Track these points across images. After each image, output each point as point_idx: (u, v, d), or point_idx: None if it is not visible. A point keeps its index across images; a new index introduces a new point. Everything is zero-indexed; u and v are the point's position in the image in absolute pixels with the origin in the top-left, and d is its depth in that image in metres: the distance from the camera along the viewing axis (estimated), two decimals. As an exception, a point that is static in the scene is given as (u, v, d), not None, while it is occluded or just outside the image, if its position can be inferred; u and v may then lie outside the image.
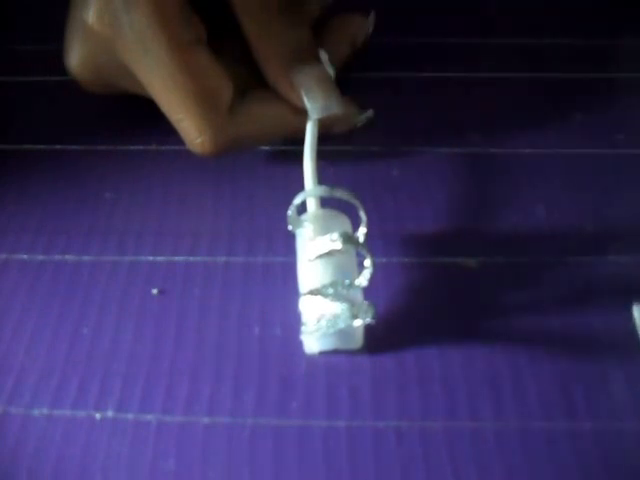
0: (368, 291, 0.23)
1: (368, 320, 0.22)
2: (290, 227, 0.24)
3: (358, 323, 0.22)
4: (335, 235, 0.23)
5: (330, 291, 0.22)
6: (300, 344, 0.23)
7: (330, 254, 0.23)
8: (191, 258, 0.26)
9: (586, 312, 0.24)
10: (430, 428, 0.22)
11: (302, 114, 0.28)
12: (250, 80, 0.28)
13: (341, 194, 0.23)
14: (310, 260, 0.23)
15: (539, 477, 0.21)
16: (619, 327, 0.24)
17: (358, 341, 0.23)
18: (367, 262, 0.23)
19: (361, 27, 0.33)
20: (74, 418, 0.22)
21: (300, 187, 0.26)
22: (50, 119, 0.32)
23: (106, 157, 0.30)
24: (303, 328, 0.23)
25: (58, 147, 0.31)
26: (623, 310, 0.24)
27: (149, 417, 0.22)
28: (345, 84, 0.29)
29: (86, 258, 0.27)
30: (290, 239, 0.26)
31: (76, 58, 0.28)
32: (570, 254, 0.26)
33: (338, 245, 0.23)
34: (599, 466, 0.21)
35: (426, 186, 0.29)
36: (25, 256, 0.27)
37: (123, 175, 0.30)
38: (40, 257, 0.27)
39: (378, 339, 0.24)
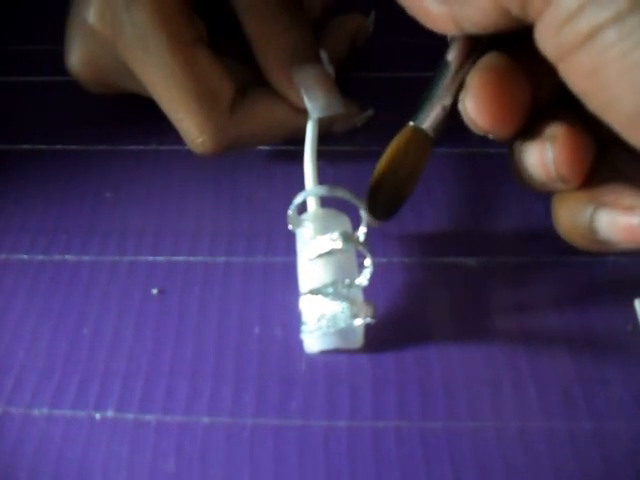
0: (368, 291, 0.23)
1: (368, 319, 0.22)
2: (290, 226, 0.24)
3: (358, 322, 0.22)
4: (335, 234, 0.23)
5: (330, 290, 0.23)
6: (300, 344, 0.23)
7: (330, 253, 0.23)
8: (191, 258, 0.26)
9: (586, 312, 0.24)
10: (430, 428, 0.22)
11: (303, 113, 0.28)
12: (251, 79, 0.28)
13: (342, 193, 0.23)
14: (310, 259, 0.23)
15: (539, 477, 0.21)
16: (619, 327, 0.24)
17: (358, 340, 0.23)
18: (367, 261, 0.23)
19: (361, 27, 0.33)
20: (74, 418, 0.22)
21: (300, 187, 0.26)
22: (50, 119, 0.32)
23: (106, 157, 0.30)
24: (303, 327, 0.23)
25: (58, 147, 0.31)
26: (623, 310, 0.24)
27: (149, 417, 0.22)
28: (345, 84, 0.29)
29: (86, 258, 0.27)
30: (290, 239, 0.26)
31: (76, 57, 0.28)
32: (570, 254, 0.26)
33: (338, 244, 0.23)
34: (599, 466, 0.21)
35: (426, 186, 0.29)
36: (25, 256, 0.27)
37: (123, 175, 0.30)
38: (40, 257, 0.27)
39: (378, 339, 0.24)
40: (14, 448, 0.21)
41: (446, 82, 0.22)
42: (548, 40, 0.17)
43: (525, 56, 0.21)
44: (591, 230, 0.20)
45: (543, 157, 0.20)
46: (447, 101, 0.22)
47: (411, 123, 0.23)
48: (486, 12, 0.18)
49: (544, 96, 0.21)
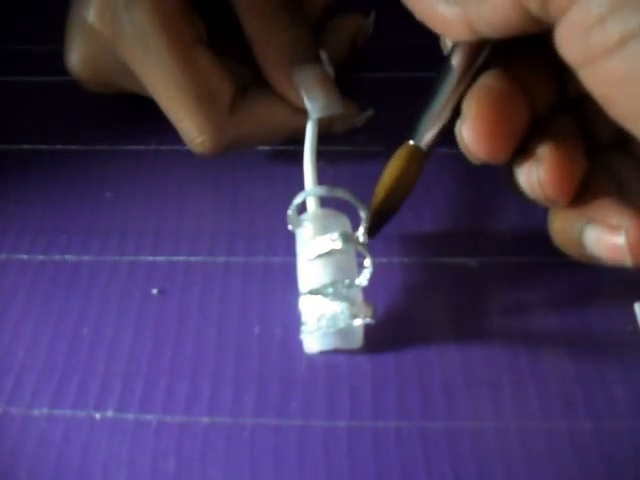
0: (368, 291, 0.23)
1: (368, 320, 0.22)
2: (290, 227, 0.24)
3: (358, 323, 0.22)
4: (335, 235, 0.23)
5: (330, 291, 0.23)
6: (300, 344, 0.23)
7: (330, 254, 0.23)
8: (191, 258, 0.26)
9: (586, 312, 0.24)
10: (430, 428, 0.22)
11: (302, 114, 0.28)
12: (251, 79, 0.28)
13: (342, 194, 0.23)
14: (310, 260, 0.23)
15: (539, 477, 0.21)
16: (619, 327, 0.24)
17: (358, 341, 0.23)
18: (367, 262, 0.23)
19: (361, 27, 0.33)
20: (74, 418, 0.22)
21: (300, 187, 0.26)
22: (50, 119, 0.32)
23: (106, 157, 0.30)
24: (303, 328, 0.23)
25: (58, 147, 0.31)
26: (623, 310, 0.24)
27: (149, 417, 0.22)
28: (345, 84, 0.29)
29: (86, 258, 0.27)
30: (290, 239, 0.26)
31: (76, 57, 0.28)
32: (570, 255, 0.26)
33: (338, 245, 0.23)
34: (599, 466, 0.21)
35: (426, 186, 0.29)
36: (25, 256, 0.27)
37: (123, 175, 0.30)
38: (40, 257, 0.27)
39: (378, 339, 0.24)
40: (14, 448, 0.21)
41: (447, 94, 0.21)
42: (572, 42, 0.16)
43: (524, 69, 0.20)
44: (580, 244, 0.20)
45: (530, 179, 0.20)
46: (446, 117, 0.21)
47: (411, 142, 0.22)
48: (504, 12, 0.17)
49: (541, 109, 0.21)
